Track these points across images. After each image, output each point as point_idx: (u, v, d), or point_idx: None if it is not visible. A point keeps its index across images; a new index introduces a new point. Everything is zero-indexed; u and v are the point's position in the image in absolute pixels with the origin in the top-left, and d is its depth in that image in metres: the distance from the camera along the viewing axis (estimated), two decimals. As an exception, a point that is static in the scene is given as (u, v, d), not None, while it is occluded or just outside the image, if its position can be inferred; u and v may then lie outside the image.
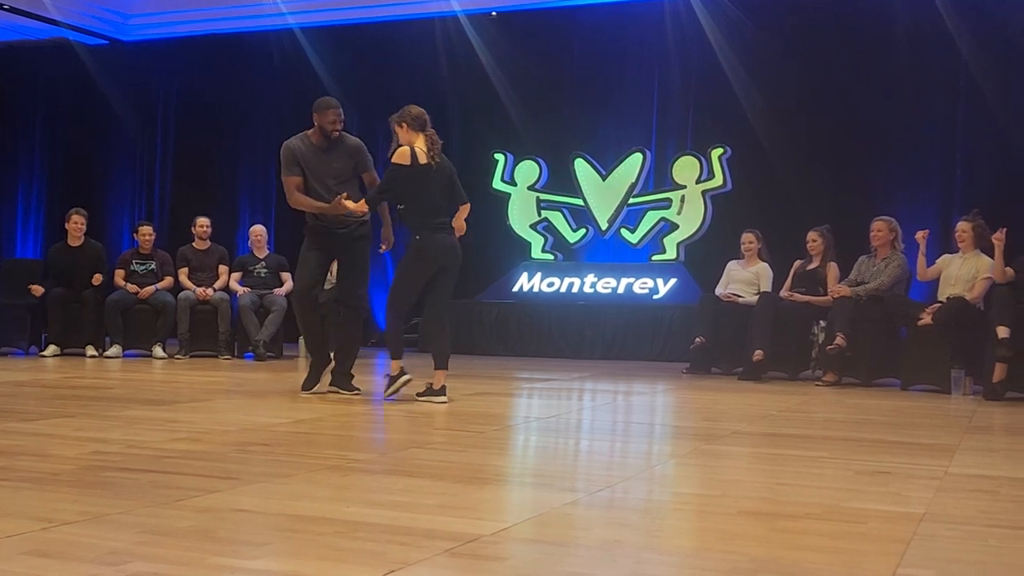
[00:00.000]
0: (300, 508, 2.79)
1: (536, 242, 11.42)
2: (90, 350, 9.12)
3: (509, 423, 5.32)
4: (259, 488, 3.06)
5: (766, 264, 8.66)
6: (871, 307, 7.70)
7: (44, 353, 9.14)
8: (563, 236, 11.39)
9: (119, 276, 9.45)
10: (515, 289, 11.24)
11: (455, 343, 10.87)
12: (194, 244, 9.72)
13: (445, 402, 5.77)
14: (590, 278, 11.05)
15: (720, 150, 10.64)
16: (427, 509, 2.81)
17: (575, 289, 11.06)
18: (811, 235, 8.38)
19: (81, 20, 12.80)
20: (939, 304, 7.37)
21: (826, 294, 8.05)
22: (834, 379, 7.67)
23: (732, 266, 8.80)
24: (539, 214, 11.43)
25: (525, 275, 11.29)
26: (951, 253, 7.78)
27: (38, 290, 9.16)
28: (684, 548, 2.59)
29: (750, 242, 8.72)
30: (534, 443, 4.58)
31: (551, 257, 11.37)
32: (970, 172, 9.86)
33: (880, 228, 7.96)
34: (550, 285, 11.17)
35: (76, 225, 9.46)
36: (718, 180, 10.68)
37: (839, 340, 7.51)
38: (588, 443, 4.67)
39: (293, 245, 10.43)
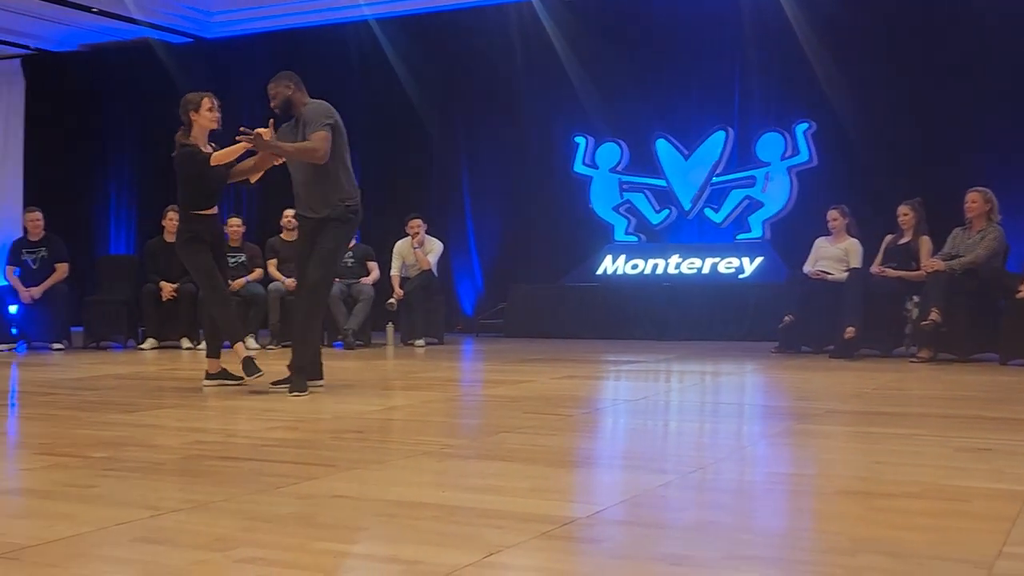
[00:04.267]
0: (396, 493, 2.83)
1: (619, 224, 11.38)
2: (185, 342, 9.36)
3: (597, 406, 5.32)
4: (355, 474, 3.12)
5: (855, 240, 8.49)
6: (967, 280, 7.51)
7: (142, 346, 9.42)
8: (646, 217, 11.32)
9: (211, 270, 9.66)
10: (599, 272, 11.22)
11: (541, 327, 10.98)
12: (282, 235, 9.89)
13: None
14: (674, 259, 10.97)
15: (805, 125, 10.47)
16: (521, 493, 2.83)
17: (659, 270, 10.99)
18: (902, 209, 8.19)
19: (166, 19, 13.11)
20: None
21: (918, 268, 7.87)
22: (929, 355, 7.50)
23: (820, 243, 8.65)
24: (621, 196, 11.38)
25: (609, 258, 11.26)
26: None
27: (167, 288, 9.39)
28: (781, 528, 2.56)
29: (834, 219, 8.56)
30: (623, 425, 4.57)
31: (634, 239, 11.32)
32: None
33: (975, 199, 7.76)
34: (634, 267, 11.12)
35: (172, 222, 9.69)
36: (803, 156, 10.51)
37: (934, 315, 7.34)
38: (677, 424, 4.65)
39: (379, 234, 10.62)
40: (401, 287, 9.98)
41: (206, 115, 5.65)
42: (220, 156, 5.55)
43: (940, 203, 8.43)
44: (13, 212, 13.91)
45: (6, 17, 12.76)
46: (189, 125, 5.67)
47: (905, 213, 8.16)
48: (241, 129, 5.30)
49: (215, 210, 5.79)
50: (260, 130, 5.33)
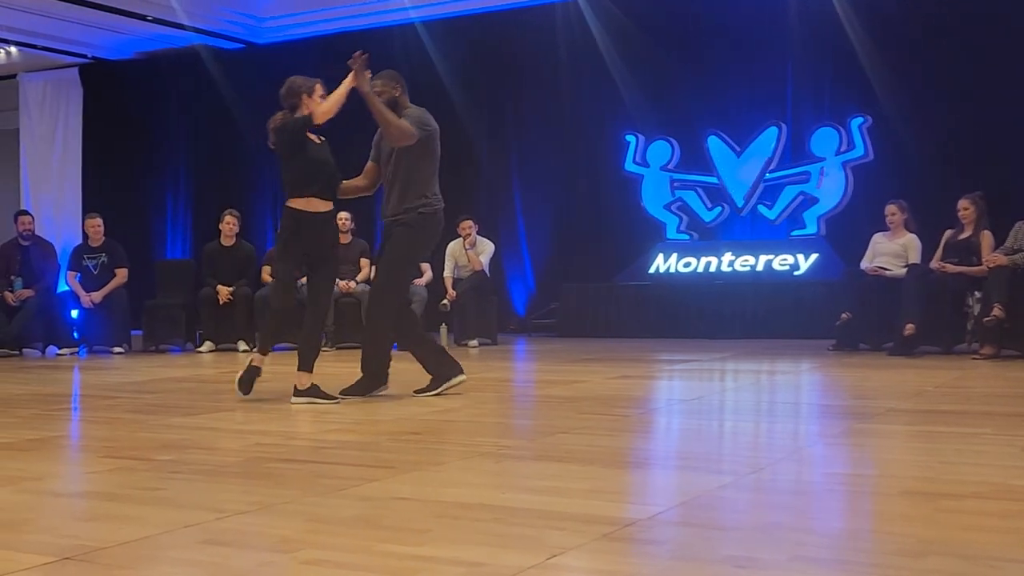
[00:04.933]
0: (456, 495, 2.84)
1: (671, 223, 11.32)
2: (242, 345, 9.49)
3: (653, 406, 5.30)
4: (415, 476, 3.13)
5: (914, 235, 8.37)
6: (1030, 276, 7.37)
7: (200, 349, 9.57)
8: (698, 215, 11.25)
9: (266, 273, 9.78)
10: (651, 271, 11.17)
11: (593, 326, 10.96)
12: (336, 238, 9.97)
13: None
14: (727, 256, 10.89)
15: (860, 119, 10.34)
16: (580, 494, 2.83)
17: (712, 268, 10.92)
18: (962, 203, 8.05)
19: (218, 26, 13.28)
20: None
21: (980, 264, 7.74)
22: (992, 352, 7.37)
23: (878, 238, 8.53)
24: (673, 194, 11.32)
25: (661, 256, 11.20)
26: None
27: (224, 291, 9.53)
28: (845, 530, 2.54)
29: (893, 213, 8.44)
30: (679, 426, 4.55)
31: (686, 237, 11.25)
32: None
33: (1037, 192, 7.61)
34: (687, 265, 11.05)
35: (229, 225, 9.85)
36: (859, 150, 10.37)
37: (997, 311, 7.21)
38: (733, 424, 4.61)
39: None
40: (453, 288, 10.02)
41: (319, 101, 5.20)
42: (326, 107, 5.11)
43: (1001, 196, 8.27)
44: (74, 219, 14.21)
45: (65, 27, 13.02)
46: (293, 110, 5.26)
47: (966, 207, 8.02)
48: (359, 54, 5.03)
49: (320, 206, 5.20)
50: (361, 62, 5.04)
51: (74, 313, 9.84)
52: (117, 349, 9.55)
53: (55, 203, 15.03)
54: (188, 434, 4.11)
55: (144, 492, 2.93)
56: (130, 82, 14.40)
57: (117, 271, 9.81)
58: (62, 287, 10.23)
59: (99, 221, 10.01)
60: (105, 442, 4.05)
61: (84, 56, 14.55)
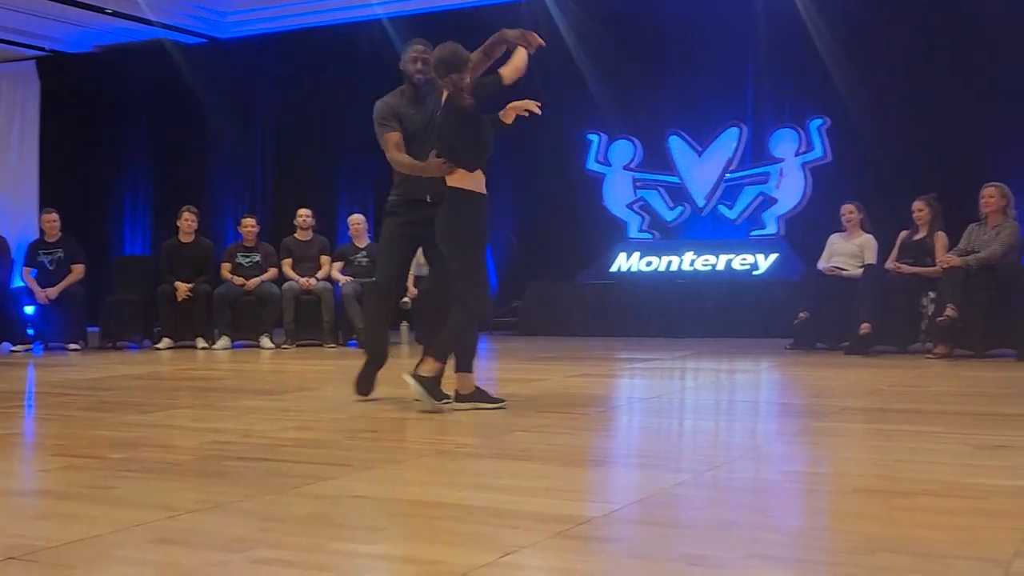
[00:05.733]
0: (412, 493, 2.83)
1: (633, 222, 11.36)
2: (200, 342, 9.40)
3: (612, 404, 5.31)
4: (371, 474, 3.12)
5: (870, 236, 8.46)
6: (983, 276, 7.47)
7: (158, 346, 9.47)
8: (660, 215, 11.30)
9: (225, 269, 9.71)
10: (613, 269, 11.21)
11: (555, 325, 10.97)
12: (296, 235, 9.92)
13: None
14: (689, 256, 10.95)
15: (819, 121, 10.43)
16: (537, 492, 2.82)
17: (674, 267, 10.98)
18: (917, 204, 8.16)
19: (180, 20, 13.15)
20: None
21: (934, 264, 7.84)
22: (946, 351, 7.46)
23: (834, 239, 8.62)
24: (635, 193, 11.36)
25: (623, 255, 11.24)
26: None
27: (183, 288, 9.44)
28: (800, 528, 2.55)
29: (851, 212, 8.53)
30: (638, 424, 4.56)
31: (648, 236, 11.30)
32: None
33: (991, 195, 7.72)
34: (648, 264, 11.10)
35: (187, 222, 9.75)
36: (818, 152, 10.47)
37: (950, 311, 7.31)
38: (692, 423, 4.64)
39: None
40: (415, 286, 9.97)
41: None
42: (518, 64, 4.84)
43: (955, 198, 8.39)
44: (30, 213, 14.00)
45: (21, 19, 12.83)
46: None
47: (920, 209, 8.13)
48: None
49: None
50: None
51: (29, 309, 9.70)
52: (73, 346, 9.42)
53: (11, 198, 14.81)
54: (143, 432, 4.07)
55: (95, 490, 2.89)
56: (89, 76, 14.22)
57: (73, 267, 9.68)
58: (17, 283, 10.07)
59: (55, 216, 9.88)
60: (57, 440, 3.99)
61: (41, 49, 14.34)
